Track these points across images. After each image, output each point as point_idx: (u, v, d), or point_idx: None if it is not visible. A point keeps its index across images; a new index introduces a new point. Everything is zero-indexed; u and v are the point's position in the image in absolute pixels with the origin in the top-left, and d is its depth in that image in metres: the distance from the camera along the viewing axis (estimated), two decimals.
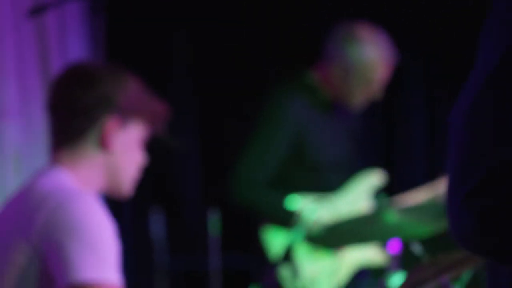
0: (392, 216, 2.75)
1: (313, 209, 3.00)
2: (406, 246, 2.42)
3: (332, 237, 2.93)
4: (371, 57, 3.65)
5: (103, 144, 2.10)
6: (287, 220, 3.65)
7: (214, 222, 3.06)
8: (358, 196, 3.81)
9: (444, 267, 1.75)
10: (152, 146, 2.24)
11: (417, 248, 1.97)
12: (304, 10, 5.28)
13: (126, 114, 2.12)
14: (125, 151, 2.13)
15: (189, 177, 5.15)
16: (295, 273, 3.00)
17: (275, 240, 3.72)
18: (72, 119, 2.10)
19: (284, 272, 3.25)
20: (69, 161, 2.10)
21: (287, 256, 3.00)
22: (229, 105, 5.19)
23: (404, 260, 2.16)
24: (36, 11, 3.25)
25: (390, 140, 5.43)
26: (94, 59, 3.63)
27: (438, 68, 5.50)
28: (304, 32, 5.28)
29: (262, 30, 5.35)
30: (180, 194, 5.18)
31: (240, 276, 4.69)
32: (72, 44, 3.90)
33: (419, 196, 3.84)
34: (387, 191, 4.02)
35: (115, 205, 2.75)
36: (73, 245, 1.91)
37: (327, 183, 3.80)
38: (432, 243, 2.30)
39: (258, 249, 3.79)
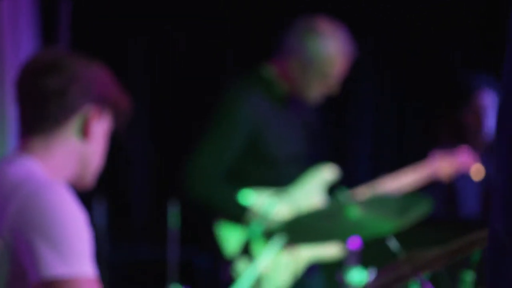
0: (354, 212, 2.76)
1: (270, 204, 2.98)
2: (382, 242, 2.43)
3: (291, 233, 2.92)
4: (330, 51, 3.67)
5: (83, 134, 2.10)
6: (242, 215, 3.65)
7: (173, 215, 3.05)
8: (312, 190, 3.84)
9: (420, 264, 1.76)
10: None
11: (393, 244, 1.97)
12: (260, 4, 5.32)
13: (103, 104, 2.12)
14: (97, 142, 2.14)
15: (142, 169, 5.13)
16: (251, 268, 2.99)
17: (230, 236, 3.71)
18: (49, 107, 2.07)
19: (240, 267, 3.24)
20: (41, 150, 2.07)
21: (244, 251, 2.98)
22: (186, 99, 5.19)
23: (380, 256, 2.18)
24: None
25: (341, 134, 5.51)
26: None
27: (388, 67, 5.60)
28: (260, 26, 5.31)
29: (219, 25, 5.37)
30: (129, 185, 5.15)
31: (196, 269, 4.69)
32: (25, 37, 3.84)
33: (371, 191, 3.90)
34: (339, 185, 4.07)
35: None
36: (45, 239, 1.88)
37: (283, 177, 3.82)
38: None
39: (214, 244, 3.79)
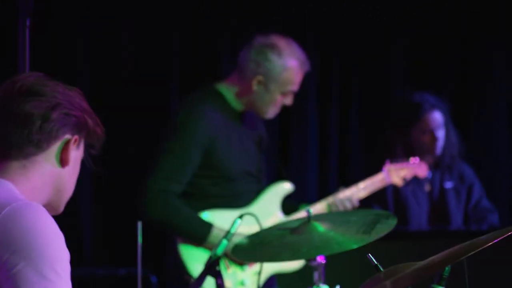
0: (318, 229, 2.82)
1: (232, 222, 3.03)
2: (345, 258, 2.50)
3: (255, 251, 2.97)
4: (291, 66, 3.79)
5: (63, 161, 2.12)
6: (204, 236, 3.69)
7: (138, 232, 3.07)
8: (271, 206, 3.91)
9: (401, 279, 1.84)
10: None
11: (372, 259, 2.04)
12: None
13: (81, 132, 2.14)
14: (73, 169, 2.16)
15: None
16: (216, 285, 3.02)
17: (193, 256, 3.74)
18: (32, 132, 2.08)
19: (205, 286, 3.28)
20: (18, 174, 2.08)
21: (209, 270, 3.01)
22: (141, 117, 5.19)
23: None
24: None
25: (287, 147, 5.59)
26: None
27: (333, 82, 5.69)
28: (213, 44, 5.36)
29: (172, 40, 5.39)
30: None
31: None
32: None
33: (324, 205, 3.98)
34: (293, 199, 4.15)
35: None
36: (26, 260, 1.88)
37: (240, 194, 3.86)
38: None
39: (177, 265, 3.80)
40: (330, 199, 3.99)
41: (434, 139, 4.88)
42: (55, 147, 2.10)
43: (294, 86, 3.87)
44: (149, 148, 4.10)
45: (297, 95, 5.45)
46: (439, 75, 5.80)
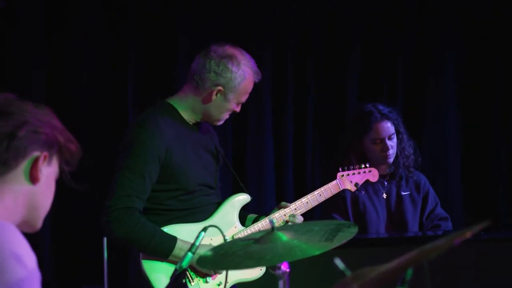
0: (281, 239, 2.87)
1: (196, 235, 3.07)
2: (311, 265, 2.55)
3: (221, 260, 3.01)
4: (246, 75, 3.86)
5: (33, 178, 2.13)
6: (168, 250, 3.72)
7: (104, 248, 3.09)
8: (230, 218, 3.96)
9: (367, 282, 1.91)
10: None
11: (339, 263, 2.10)
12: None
13: (51, 148, 2.16)
14: (46, 185, 2.17)
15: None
16: None
17: (158, 271, 3.76)
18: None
19: None
20: None
21: (177, 280, 3.05)
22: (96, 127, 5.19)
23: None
24: None
25: (243, 158, 5.64)
26: None
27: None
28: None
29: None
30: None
31: None
32: None
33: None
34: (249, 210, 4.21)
35: None
36: (3, 280, 1.91)
37: (199, 205, 3.90)
38: None
39: (142, 280, 3.82)
40: (282, 213, 4.05)
41: (385, 148, 4.98)
42: (24, 165, 2.12)
43: (247, 96, 3.96)
44: (109, 163, 4.12)
45: (253, 106, 5.56)
46: (392, 85, 5.91)
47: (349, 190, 4.47)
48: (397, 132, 5.07)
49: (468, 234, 1.92)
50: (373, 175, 4.49)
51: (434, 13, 5.87)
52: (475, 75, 5.95)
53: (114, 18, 5.32)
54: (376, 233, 5.03)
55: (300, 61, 5.74)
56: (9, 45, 5.03)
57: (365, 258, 4.37)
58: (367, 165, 4.47)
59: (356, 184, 4.39)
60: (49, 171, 2.17)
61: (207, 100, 3.88)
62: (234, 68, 3.86)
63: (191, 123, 3.95)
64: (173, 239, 3.73)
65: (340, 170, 4.35)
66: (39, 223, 2.19)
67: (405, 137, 5.12)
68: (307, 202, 4.09)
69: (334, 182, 4.27)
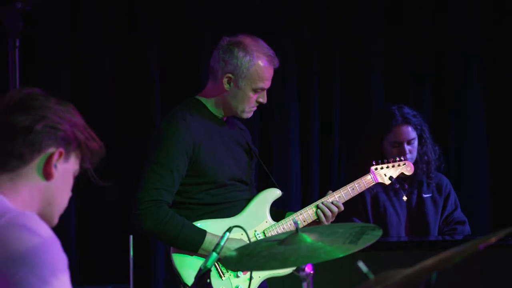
0: (306, 240, 2.90)
1: (224, 231, 3.11)
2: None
3: (246, 261, 3.04)
4: (257, 61, 3.86)
5: (46, 174, 2.14)
6: (198, 245, 3.76)
7: (130, 246, 3.13)
8: (261, 213, 3.98)
9: (391, 286, 1.93)
10: None
11: (363, 266, 2.13)
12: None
13: (69, 145, 2.16)
14: (62, 182, 2.18)
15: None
16: None
17: (187, 265, 3.80)
18: (16, 145, 2.11)
19: None
20: (7, 187, 2.11)
21: (201, 279, 3.09)
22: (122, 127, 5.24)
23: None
24: None
25: (269, 155, 5.67)
26: None
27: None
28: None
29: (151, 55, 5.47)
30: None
31: None
32: None
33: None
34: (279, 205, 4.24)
35: None
36: (26, 267, 1.93)
37: (230, 200, 3.93)
38: None
39: (170, 274, 3.86)
40: (318, 203, 4.07)
41: (402, 152, 4.95)
42: (39, 160, 2.13)
43: (265, 83, 3.93)
44: (136, 163, 4.16)
45: (279, 102, 5.59)
46: (419, 88, 5.91)
47: (382, 184, 4.42)
48: (420, 137, 5.04)
49: (493, 239, 1.94)
50: (407, 168, 4.46)
51: (457, 21, 5.87)
52: (501, 81, 5.94)
53: (138, 19, 5.36)
54: (397, 236, 5.03)
55: (326, 61, 5.76)
56: (35, 47, 5.09)
57: (386, 262, 4.40)
58: (402, 158, 4.44)
59: (390, 178, 4.36)
60: (65, 167, 2.18)
61: (222, 90, 3.92)
62: (240, 54, 3.88)
63: (220, 118, 3.99)
64: (203, 233, 3.77)
65: (374, 163, 4.33)
66: (55, 219, 2.21)
67: (428, 142, 5.08)
68: (339, 197, 4.09)
69: (368, 176, 4.24)
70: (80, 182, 5.06)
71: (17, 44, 3.21)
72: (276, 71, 4.00)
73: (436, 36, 5.89)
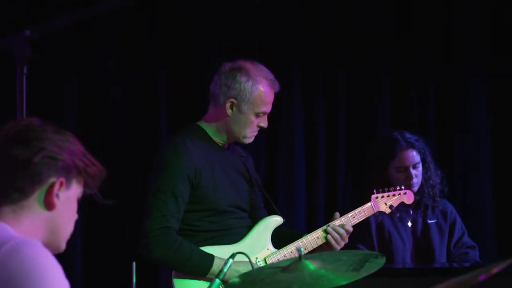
0: (309, 268, 2.90)
1: (227, 258, 3.11)
2: None
3: (250, 287, 3.04)
4: (259, 86, 3.88)
5: (48, 204, 2.15)
6: (208, 267, 3.75)
7: (133, 272, 3.14)
8: (262, 240, 3.98)
9: None
10: None
11: None
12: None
13: (70, 174, 2.17)
14: (65, 209, 2.19)
15: None
16: None
17: None
18: (16, 178, 2.12)
19: None
20: (10, 218, 2.12)
21: None
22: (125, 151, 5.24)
23: None
24: None
25: (275, 182, 5.67)
26: None
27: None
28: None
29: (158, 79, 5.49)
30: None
31: None
32: None
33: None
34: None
35: None
36: None
37: (230, 227, 3.92)
38: None
39: None
40: (325, 227, 4.07)
41: (409, 177, 4.97)
42: (40, 191, 2.14)
43: (267, 106, 3.96)
44: (141, 187, 4.17)
45: (284, 129, 5.60)
46: (423, 114, 5.91)
47: (383, 213, 4.43)
48: (424, 161, 5.06)
49: (495, 270, 1.94)
50: (408, 197, 4.47)
51: (464, 37, 5.88)
52: (507, 99, 5.93)
53: (145, 38, 5.38)
54: (402, 263, 5.02)
55: (331, 82, 5.77)
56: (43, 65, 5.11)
57: None
58: (402, 187, 4.45)
59: (390, 207, 4.37)
60: (67, 195, 2.19)
61: (224, 115, 3.93)
62: (242, 79, 3.90)
63: (221, 145, 4.00)
64: (211, 257, 3.77)
65: (375, 192, 4.34)
66: (62, 246, 2.22)
67: (431, 166, 5.10)
68: (346, 221, 4.10)
69: (368, 204, 4.26)
70: (86, 209, 5.09)
71: (25, 71, 3.23)
72: (280, 102, 4.03)
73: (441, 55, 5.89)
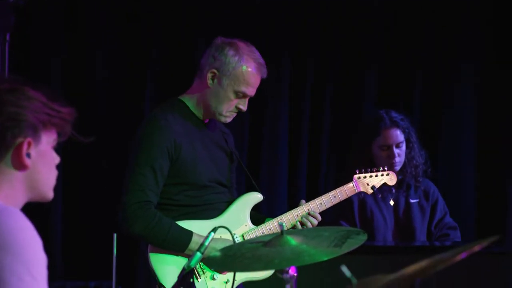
0: (290, 243, 2.90)
1: (207, 233, 3.10)
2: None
3: (230, 262, 3.03)
4: (244, 64, 3.83)
5: (20, 166, 2.12)
6: (186, 242, 3.74)
7: (113, 244, 3.12)
8: (241, 216, 3.97)
9: None
10: None
11: (346, 271, 2.12)
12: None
13: (37, 131, 2.13)
14: (41, 163, 2.16)
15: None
16: None
17: (168, 266, 3.78)
18: None
19: None
20: None
21: (184, 279, 3.08)
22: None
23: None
24: None
25: (258, 161, 5.67)
26: None
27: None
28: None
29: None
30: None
31: None
32: None
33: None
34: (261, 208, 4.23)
35: None
36: (8, 263, 1.92)
37: (209, 202, 3.91)
38: None
39: (151, 275, 3.85)
40: (294, 213, 4.05)
41: (391, 155, 4.97)
42: (9, 155, 2.11)
43: (248, 89, 3.89)
44: (121, 161, 4.15)
45: (269, 109, 5.59)
46: (409, 95, 5.91)
47: (365, 193, 4.41)
48: (408, 141, 5.07)
49: (476, 248, 1.94)
50: (390, 178, 4.46)
51: (453, 26, 5.87)
52: (493, 88, 5.93)
53: (134, 18, 5.35)
54: (384, 241, 5.03)
55: (318, 65, 5.76)
56: (30, 36, 5.07)
57: (371, 266, 4.40)
58: (386, 168, 4.44)
59: (372, 187, 4.35)
60: (39, 150, 2.15)
61: (205, 86, 3.89)
62: (230, 52, 3.86)
63: (201, 120, 3.97)
64: (189, 233, 3.76)
65: (357, 172, 4.32)
66: (49, 195, 2.19)
67: (416, 146, 5.10)
68: (321, 204, 4.07)
69: (350, 184, 4.23)
70: (67, 181, 5.04)
71: (8, 38, 3.19)
72: (267, 81, 3.99)
73: (430, 42, 5.88)
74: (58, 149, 2.22)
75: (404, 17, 5.82)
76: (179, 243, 3.74)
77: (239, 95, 3.88)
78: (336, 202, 4.14)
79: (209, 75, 3.85)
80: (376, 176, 4.37)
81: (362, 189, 4.30)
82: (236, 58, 3.85)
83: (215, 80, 3.86)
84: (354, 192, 4.24)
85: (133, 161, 3.79)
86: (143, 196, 3.72)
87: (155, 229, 3.71)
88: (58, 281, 4.94)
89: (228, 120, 3.94)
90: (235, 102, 3.89)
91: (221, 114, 3.90)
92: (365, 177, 4.32)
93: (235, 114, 3.95)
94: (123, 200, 3.72)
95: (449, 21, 5.86)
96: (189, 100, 3.95)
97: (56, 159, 2.21)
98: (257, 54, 3.92)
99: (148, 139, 3.78)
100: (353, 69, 5.79)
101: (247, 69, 3.86)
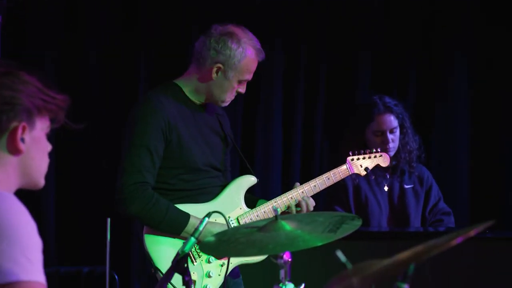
0: (285, 228, 2.89)
1: (202, 217, 3.09)
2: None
3: (224, 247, 3.03)
4: (248, 54, 3.86)
5: (14, 150, 2.11)
6: (183, 224, 3.74)
7: (107, 229, 3.12)
8: (236, 199, 3.97)
9: (368, 275, 1.92)
10: None
11: (341, 256, 2.12)
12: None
13: (31, 116, 2.12)
14: (35, 149, 2.15)
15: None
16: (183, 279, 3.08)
17: (163, 249, 3.78)
18: None
19: (173, 280, 3.34)
20: None
21: (179, 264, 3.07)
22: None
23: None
24: None
25: (252, 143, 5.66)
26: None
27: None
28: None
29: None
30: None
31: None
32: None
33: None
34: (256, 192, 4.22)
35: None
36: (3, 248, 1.92)
37: (203, 186, 3.91)
38: None
39: (146, 258, 3.84)
40: (289, 196, 4.05)
41: (385, 141, 4.98)
42: (4, 139, 2.10)
43: (250, 75, 3.95)
44: (113, 147, 4.14)
45: (263, 91, 5.59)
46: (404, 81, 5.90)
47: (358, 175, 4.39)
48: (401, 126, 5.07)
49: (471, 233, 1.93)
50: (383, 160, 4.45)
51: (446, 19, 5.86)
52: (487, 79, 5.92)
53: (128, 7, 5.34)
54: (378, 226, 5.04)
55: (312, 50, 5.74)
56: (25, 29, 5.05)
57: (366, 251, 4.41)
58: (378, 150, 4.43)
59: (366, 169, 4.34)
60: (33, 135, 2.14)
61: (208, 78, 3.90)
62: (233, 45, 3.87)
63: (197, 104, 3.97)
64: (186, 215, 3.76)
65: (351, 154, 4.31)
66: (40, 183, 2.19)
67: (409, 131, 5.11)
68: (315, 186, 4.07)
69: (343, 166, 4.22)
70: (60, 166, 5.02)
71: (0, 20, 3.17)
72: (263, 64, 4.01)
73: (424, 34, 5.87)
74: (50, 136, 2.21)
75: (399, 7, 5.80)
76: (176, 225, 3.74)
77: (242, 82, 3.93)
78: (330, 184, 4.14)
79: (214, 69, 3.87)
80: (369, 157, 4.36)
81: (355, 171, 4.29)
82: (240, 49, 3.87)
83: (220, 73, 3.89)
84: (347, 174, 4.23)
85: (128, 142, 3.79)
86: (140, 177, 3.72)
87: (152, 210, 3.71)
88: (51, 267, 4.93)
89: (228, 104, 3.98)
90: (236, 88, 3.91)
91: (224, 101, 3.95)
92: (358, 158, 4.31)
93: (233, 97, 3.97)
94: (120, 182, 3.72)
95: (444, 11, 5.85)
96: (185, 85, 3.94)
97: (49, 146, 2.21)
98: (254, 40, 3.95)
99: (142, 121, 3.78)
100: (348, 53, 5.78)
101: (249, 58, 3.91)
